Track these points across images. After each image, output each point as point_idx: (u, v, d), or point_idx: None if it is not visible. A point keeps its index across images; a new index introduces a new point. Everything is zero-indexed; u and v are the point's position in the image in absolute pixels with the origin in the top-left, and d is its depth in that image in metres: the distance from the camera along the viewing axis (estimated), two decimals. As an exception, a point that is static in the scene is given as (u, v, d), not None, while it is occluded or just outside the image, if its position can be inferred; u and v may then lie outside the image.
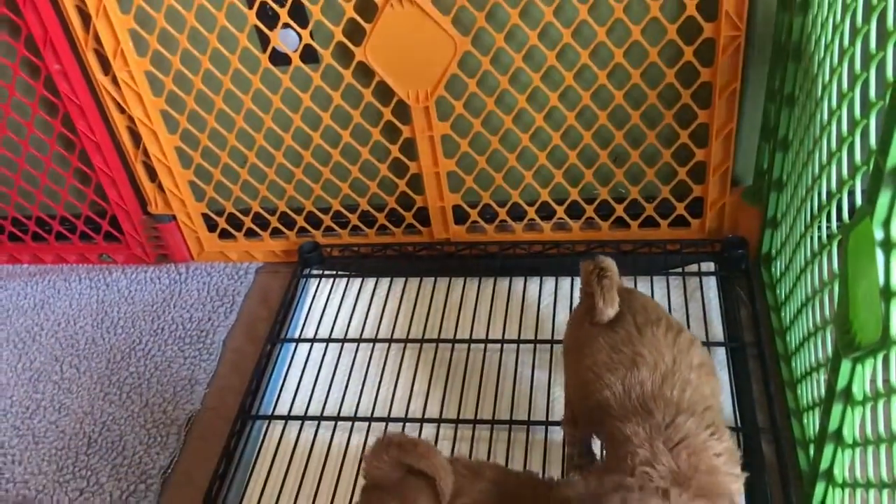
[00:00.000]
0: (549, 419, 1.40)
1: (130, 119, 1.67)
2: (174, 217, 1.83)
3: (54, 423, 1.59)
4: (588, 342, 1.13)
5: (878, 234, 0.90)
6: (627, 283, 1.61)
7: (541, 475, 1.29)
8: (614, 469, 0.97)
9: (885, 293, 0.89)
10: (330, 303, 1.71)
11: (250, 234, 1.86)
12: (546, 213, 1.72)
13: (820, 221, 1.20)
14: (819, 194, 1.20)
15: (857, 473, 1.07)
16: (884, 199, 0.89)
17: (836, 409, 1.09)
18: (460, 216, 1.76)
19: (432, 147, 1.65)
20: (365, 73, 1.58)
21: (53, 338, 1.77)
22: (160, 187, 1.78)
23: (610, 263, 1.17)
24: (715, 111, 1.49)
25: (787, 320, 1.43)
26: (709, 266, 1.62)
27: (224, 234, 1.88)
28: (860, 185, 1.02)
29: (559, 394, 1.44)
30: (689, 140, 1.55)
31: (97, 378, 1.66)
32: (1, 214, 1.95)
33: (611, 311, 1.12)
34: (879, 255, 0.90)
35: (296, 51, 1.57)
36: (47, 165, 1.81)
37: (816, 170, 1.20)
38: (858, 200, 1.00)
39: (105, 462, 1.50)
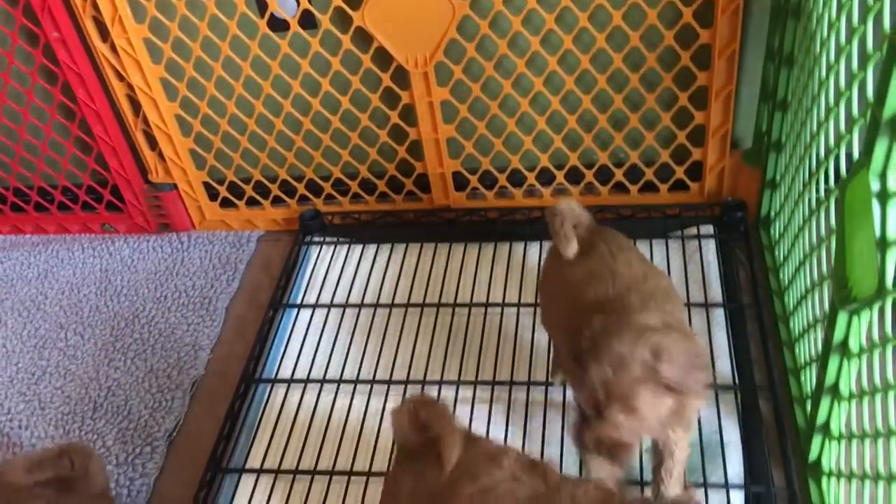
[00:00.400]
0: (550, 380, 1.42)
1: (130, 87, 1.68)
2: (175, 186, 1.84)
3: (60, 388, 1.60)
4: (565, 271, 1.19)
5: (875, 186, 0.91)
6: (627, 246, 1.62)
7: (541, 434, 1.31)
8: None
9: (881, 244, 0.90)
10: (331, 269, 1.72)
11: (251, 202, 1.87)
12: (546, 178, 1.73)
13: (818, 179, 1.21)
14: (817, 152, 1.20)
15: (854, 426, 1.09)
16: (880, 150, 0.89)
17: (833, 362, 1.10)
18: (460, 182, 1.77)
19: (431, 113, 1.65)
20: (363, 38, 1.57)
21: (58, 306, 1.78)
22: (161, 156, 1.79)
23: (564, 207, 1.23)
24: (714, 73, 1.49)
25: (786, 281, 1.44)
26: (708, 229, 1.63)
27: (225, 203, 1.88)
28: (857, 142, 1.03)
29: (559, 355, 1.45)
30: (688, 103, 1.55)
31: (101, 345, 1.67)
32: (3, 185, 1.96)
33: (570, 247, 1.19)
34: (876, 206, 0.91)
35: (294, 16, 1.57)
36: (48, 135, 1.82)
37: (814, 127, 1.20)
38: (856, 157, 1.00)
39: (111, 426, 1.52)
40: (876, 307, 0.96)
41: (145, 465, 1.45)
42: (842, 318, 1.05)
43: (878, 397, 0.98)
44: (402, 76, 1.61)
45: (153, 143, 1.78)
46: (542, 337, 1.50)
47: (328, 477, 1.34)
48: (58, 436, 1.52)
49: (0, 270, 1.90)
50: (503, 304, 1.57)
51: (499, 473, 0.94)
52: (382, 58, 1.59)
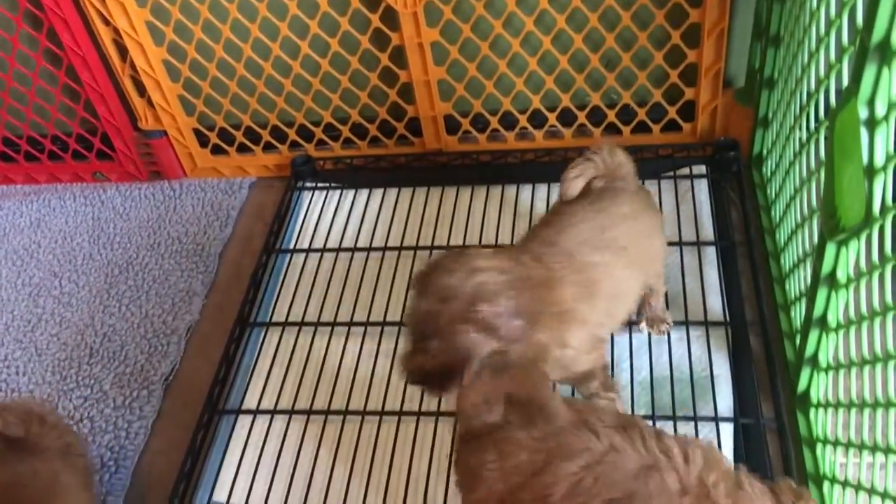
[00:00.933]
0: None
1: (116, 31, 1.65)
2: (165, 133, 1.83)
3: (56, 335, 1.61)
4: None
5: (863, 113, 0.91)
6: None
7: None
8: None
9: (869, 171, 0.90)
10: (323, 214, 1.72)
11: (243, 149, 1.86)
12: (538, 121, 1.72)
13: (808, 113, 1.20)
14: (808, 85, 1.19)
15: (841, 356, 1.10)
16: (868, 77, 0.89)
17: (821, 294, 1.11)
18: (452, 126, 1.76)
19: (422, 55, 1.63)
20: (352, -22, 1.55)
21: (51, 255, 1.78)
22: (150, 102, 1.77)
23: (597, 158, 1.20)
24: (706, 9, 1.48)
25: (777, 218, 1.44)
26: (700, 169, 1.63)
27: (216, 150, 1.87)
28: (847, 73, 1.02)
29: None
30: (680, 41, 1.54)
31: (96, 292, 1.68)
32: (-6, 135, 1.95)
33: (565, 188, 1.19)
34: (864, 133, 0.90)
35: (281, -44, 1.55)
36: (35, 82, 1.80)
37: (805, 59, 1.19)
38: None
39: (107, 371, 1.53)
40: (864, 237, 0.97)
41: (142, 408, 1.46)
42: (830, 249, 1.05)
43: (865, 325, 0.99)
44: (391, 17, 1.59)
45: (141, 90, 1.76)
46: (535, 277, 1.50)
47: (324, 416, 1.36)
48: (55, 381, 1.53)
49: (-11, 220, 1.90)
50: (496, 246, 1.57)
51: (597, 445, 0.84)
52: (371, -2, 1.57)
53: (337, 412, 1.36)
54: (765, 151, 1.56)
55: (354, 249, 1.63)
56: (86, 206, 1.88)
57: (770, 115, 1.50)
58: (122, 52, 1.70)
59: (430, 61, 1.64)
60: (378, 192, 1.74)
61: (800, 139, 1.26)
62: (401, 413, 1.34)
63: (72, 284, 1.71)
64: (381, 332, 1.47)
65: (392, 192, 1.74)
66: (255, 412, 1.38)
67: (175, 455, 1.36)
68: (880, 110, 0.88)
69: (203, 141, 1.86)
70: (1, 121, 1.90)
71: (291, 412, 1.37)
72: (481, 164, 1.75)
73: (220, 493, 1.29)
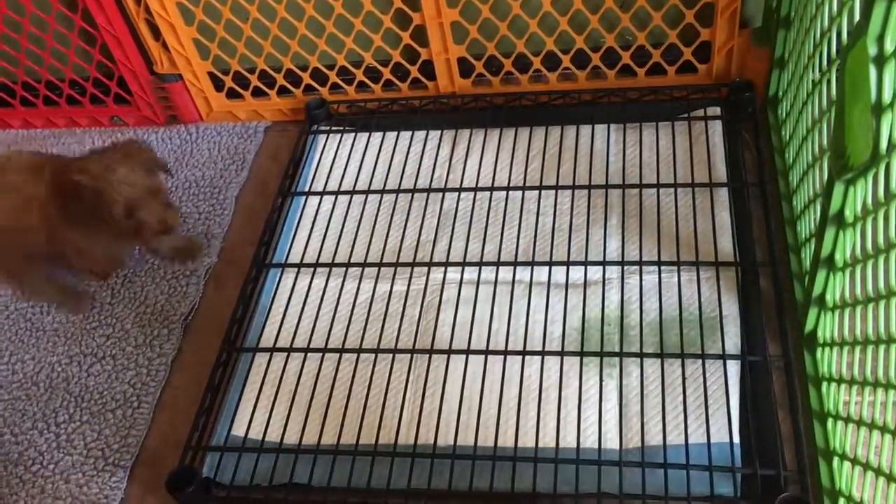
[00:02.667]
0: (553, 260, 1.44)
1: (130, -26, 1.66)
2: (181, 77, 1.84)
3: (78, 277, 1.65)
4: None
5: (872, 50, 0.90)
6: (633, 130, 1.62)
7: (544, 313, 1.34)
8: None
9: (877, 109, 0.90)
10: (338, 157, 1.73)
11: (258, 93, 1.87)
12: (552, 63, 1.71)
13: (821, 52, 1.19)
14: (821, 23, 1.18)
15: (847, 296, 1.11)
16: (878, 13, 0.88)
17: (829, 234, 1.11)
18: (465, 69, 1.76)
19: (435, -4, 1.62)
20: (364, -83, 1.54)
21: (71, 198, 1.81)
22: (165, 46, 1.78)
23: None
24: (723, -53, 1.46)
25: (790, 160, 1.44)
26: (715, 111, 1.62)
27: (232, 94, 1.88)
28: (858, 10, 1.01)
29: (571, 237, 1.47)
30: (696, -21, 1.52)
31: (116, 234, 1.71)
32: (11, 78, 1.97)
33: None
34: (872, 70, 0.90)
35: None
36: (51, 26, 1.81)
37: (820, -3, 1.18)
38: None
39: (129, 311, 1.57)
40: (871, 176, 0.97)
41: (162, 346, 1.50)
42: (838, 189, 1.06)
43: (871, 264, 1.00)
44: (403, -43, 1.58)
45: (156, 33, 1.77)
46: (547, 220, 1.51)
47: (338, 355, 1.39)
48: (78, 320, 1.58)
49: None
50: (508, 188, 1.58)
51: None
52: (383, -62, 1.56)
53: (351, 350, 1.39)
54: (780, 93, 1.55)
55: (368, 192, 1.64)
56: (104, 151, 1.90)
57: (786, 55, 1.49)
58: (137, -6, 1.70)
59: (444, 3, 1.63)
60: (392, 136, 1.75)
61: (812, 79, 1.25)
62: (413, 351, 1.37)
63: (92, 227, 1.74)
64: (395, 272, 1.49)
65: (406, 135, 1.74)
66: (272, 350, 1.42)
67: (195, 391, 1.40)
68: (889, 47, 0.88)
69: (218, 85, 1.87)
70: (20, 65, 1.91)
71: (307, 350, 1.41)
72: (495, 107, 1.74)
73: (239, 428, 1.34)
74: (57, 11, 1.78)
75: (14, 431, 1.43)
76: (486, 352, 1.34)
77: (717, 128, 1.59)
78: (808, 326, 1.24)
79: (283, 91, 1.86)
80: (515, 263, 1.45)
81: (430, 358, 1.35)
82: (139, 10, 1.72)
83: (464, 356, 1.34)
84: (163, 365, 1.48)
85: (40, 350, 1.55)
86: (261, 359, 1.42)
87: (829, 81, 1.15)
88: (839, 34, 1.09)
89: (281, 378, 1.38)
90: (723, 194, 1.48)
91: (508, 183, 1.59)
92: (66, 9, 1.77)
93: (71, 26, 1.80)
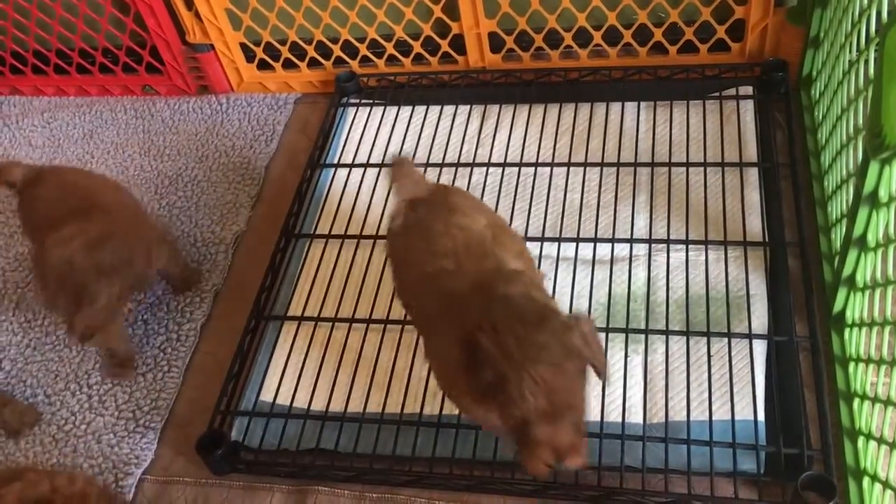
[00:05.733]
0: (580, 236, 1.44)
1: (164, -57, 1.67)
2: (213, 47, 1.85)
3: (110, 243, 1.67)
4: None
5: (915, 27, 0.89)
6: (663, 108, 1.62)
7: (570, 288, 1.34)
8: None
9: (917, 87, 0.89)
10: (367, 131, 1.74)
11: (288, 64, 1.88)
12: (583, 39, 1.70)
13: (859, 30, 1.18)
14: (860, 2, 1.17)
15: (878, 276, 1.11)
16: (922, -11, 0.87)
17: (862, 213, 1.11)
18: (496, 44, 1.75)
19: (468, -31, 1.62)
20: None
21: (104, 165, 1.84)
22: (197, 16, 1.79)
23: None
24: (761, -77, 1.44)
25: (823, 140, 1.43)
26: (747, 90, 1.61)
27: (263, 65, 1.90)
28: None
29: (599, 214, 1.48)
30: (732, -44, 1.51)
31: (147, 202, 1.73)
32: (45, 46, 1.98)
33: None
34: (914, 48, 0.89)
35: None
36: (93, -7, 1.82)
37: (860, -25, 1.16)
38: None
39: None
40: (908, 154, 0.96)
41: (193, 312, 1.53)
42: (873, 168, 1.05)
43: (903, 244, 1.00)
44: (437, -70, 1.58)
45: (189, 3, 1.78)
46: (575, 197, 1.52)
47: (365, 325, 1.41)
48: (110, 285, 1.60)
49: (48, 131, 1.95)
50: (536, 164, 1.58)
51: None
52: None
53: (378, 321, 1.40)
54: (814, 72, 1.53)
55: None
56: (136, 119, 1.92)
57: (821, 34, 1.47)
58: (171, -36, 1.71)
59: (476, -24, 1.63)
60: (421, 110, 1.75)
61: (849, 59, 1.24)
62: (440, 323, 1.38)
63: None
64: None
65: (435, 110, 1.75)
66: (300, 319, 1.44)
67: (224, 357, 1.42)
68: (932, 24, 0.87)
69: (249, 56, 1.88)
70: (54, 32, 1.93)
71: (335, 320, 1.42)
72: (524, 83, 1.74)
73: (267, 394, 1.36)
74: (92, -21, 1.80)
75: (47, 392, 1.46)
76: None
77: (748, 107, 1.58)
78: (837, 307, 1.24)
79: (313, 63, 1.86)
80: (543, 239, 1.45)
81: (456, 330, 1.36)
82: (173, -21, 1.73)
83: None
84: (193, 331, 1.50)
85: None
86: (289, 327, 1.44)
87: (866, 61, 1.14)
88: (878, 13, 1.08)
89: (309, 346, 1.40)
90: (753, 174, 1.47)
91: (537, 159, 1.60)
92: (101, -23, 1.79)
93: (109, -8, 1.81)
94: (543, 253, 1.44)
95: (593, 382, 0.95)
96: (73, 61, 1.98)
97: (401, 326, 1.39)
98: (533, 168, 1.58)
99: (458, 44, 1.76)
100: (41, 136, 1.94)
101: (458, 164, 1.62)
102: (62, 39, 1.96)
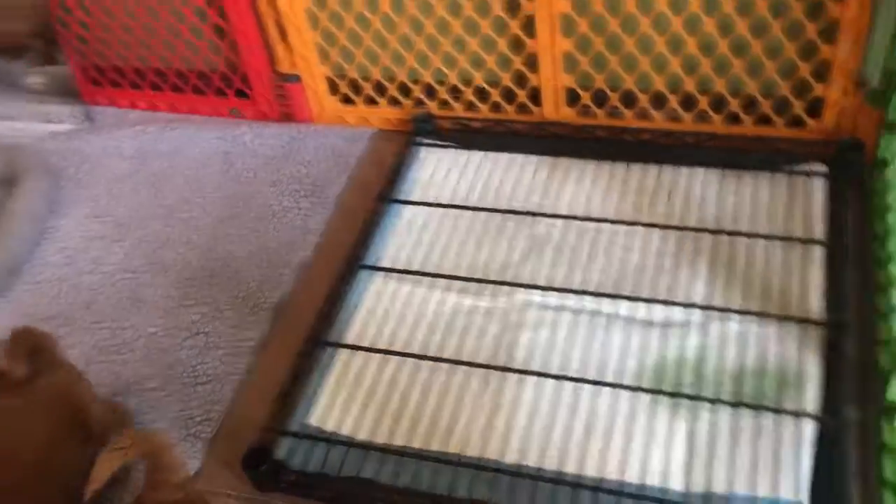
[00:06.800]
0: (637, 296, 1.45)
1: (265, -23, 1.76)
2: (299, 77, 1.93)
3: (182, 255, 1.74)
4: None
5: None
6: (733, 177, 1.62)
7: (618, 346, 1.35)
8: None
9: None
10: (438, 171, 1.79)
11: (368, 100, 1.94)
12: (658, 102, 1.73)
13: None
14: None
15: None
16: None
17: (924, 304, 1.10)
18: (572, 98, 1.79)
19: (551, 25, 1.66)
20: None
21: (184, 181, 1.92)
22: (289, 47, 1.87)
23: None
24: (847, 5, 1.45)
25: (892, 225, 1.42)
26: (819, 167, 1.60)
27: (344, 99, 1.97)
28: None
29: (658, 277, 1.49)
30: (816, 35, 1.51)
31: (221, 219, 1.80)
32: (144, 63, 2.09)
33: None
34: None
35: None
36: (189, 18, 1.92)
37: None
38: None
39: (224, 293, 1.65)
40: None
41: (252, 329, 1.58)
42: (940, 260, 1.04)
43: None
44: (525, -14, 1.63)
45: (283, 34, 1.86)
46: (636, 257, 1.53)
47: (419, 360, 1.43)
48: (177, 295, 1.66)
49: (137, 143, 2.04)
50: (601, 220, 1.60)
51: None
52: (508, -35, 1.61)
53: (431, 358, 1.43)
54: (889, 157, 1.53)
55: (464, 207, 1.69)
56: (219, 140, 2.00)
57: (900, 119, 1.47)
58: (269, -3, 1.80)
59: (559, 32, 1.67)
60: (493, 156, 1.79)
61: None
62: (490, 367, 1.40)
63: (199, 210, 1.84)
64: (482, 289, 1.53)
65: (506, 157, 1.78)
66: (355, 348, 1.47)
67: (277, 376, 1.46)
68: None
69: (333, 88, 1.95)
70: (156, 52, 2.03)
71: (389, 353, 1.46)
72: (597, 140, 1.77)
73: (315, 418, 1.39)
74: (195, 6, 1.89)
75: (107, 392, 1.52)
76: (561, 377, 1.36)
77: (819, 185, 1.58)
78: (891, 395, 1.22)
79: (392, 101, 1.92)
80: (599, 294, 1.47)
81: (505, 375, 1.39)
82: (269, 11, 1.82)
83: (538, 378, 1.37)
84: (250, 347, 1.55)
85: (140, 320, 1.64)
86: (343, 355, 1.48)
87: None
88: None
89: (361, 376, 1.44)
90: (817, 252, 1.46)
91: (602, 215, 1.62)
92: (204, 3, 1.88)
93: (205, 19, 1.91)
94: (599, 309, 1.45)
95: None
96: (169, 80, 2.08)
97: (452, 366, 1.41)
98: (597, 223, 1.60)
99: (535, 95, 1.80)
100: (131, 146, 2.04)
101: (524, 213, 1.65)
102: (162, 59, 2.06)
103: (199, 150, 1.99)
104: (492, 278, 1.54)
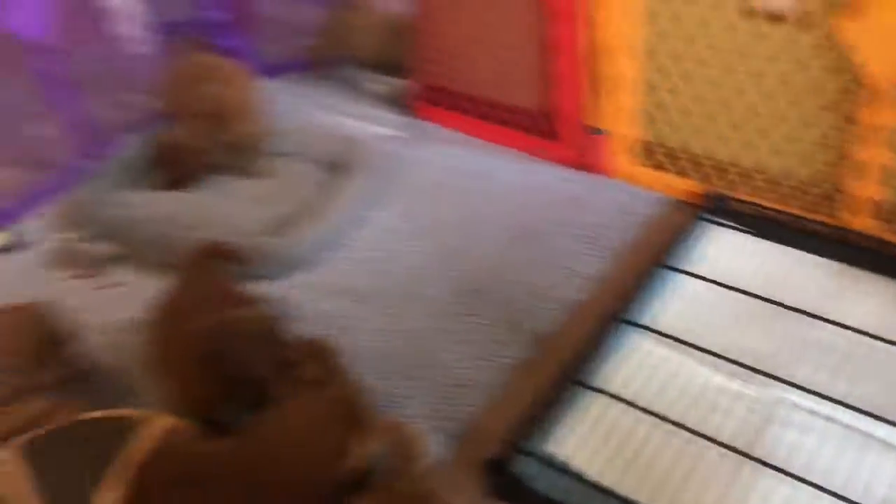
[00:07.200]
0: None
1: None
2: (605, 132, 2.04)
3: (466, 266, 1.89)
4: None
5: None
6: None
7: None
8: None
9: None
10: (725, 251, 1.81)
11: (663, 167, 2.02)
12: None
13: None
14: None
15: None
16: None
17: None
18: (879, 209, 1.75)
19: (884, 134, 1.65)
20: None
21: (483, 201, 2.09)
22: (605, 104, 1.99)
23: None
24: None
25: None
26: None
27: (641, 161, 2.06)
28: None
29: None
30: None
31: (506, 243, 1.94)
32: (475, 91, 2.28)
33: None
34: None
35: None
36: (524, 62, 2.09)
37: None
38: None
39: (495, 311, 1.75)
40: None
41: (516, 347, 1.67)
42: None
43: None
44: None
45: (600, 92, 1.98)
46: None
47: (672, 427, 1.45)
48: (454, 302, 1.80)
49: (450, 160, 2.25)
50: (884, 340, 1.55)
51: None
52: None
53: (682, 426, 1.45)
54: None
55: (740, 291, 1.70)
56: (523, 173, 2.15)
57: None
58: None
59: (885, 144, 1.65)
60: (779, 248, 1.79)
61: None
62: (739, 452, 1.40)
63: (490, 230, 1.98)
64: (751, 377, 1.53)
65: (793, 253, 1.78)
66: (609, 395, 1.52)
67: (525, 398, 1.54)
68: None
69: (633, 150, 2.05)
70: (491, 87, 2.22)
71: (639, 408, 1.49)
72: (893, 257, 1.71)
73: (557, 445, 1.45)
74: (534, 50, 2.06)
75: (371, 376, 1.60)
76: (814, 485, 1.34)
77: None
78: None
79: (686, 174, 1.98)
80: (872, 415, 1.42)
81: (760, 469, 1.38)
82: (597, 68, 1.95)
83: (795, 481, 1.35)
84: (508, 364, 1.64)
85: (414, 320, 1.78)
86: (601, 399, 1.53)
87: None
88: None
89: (616, 425, 1.48)
90: None
91: (886, 334, 1.56)
92: (540, 46, 2.05)
93: (539, 63, 2.07)
94: (868, 429, 1.41)
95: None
96: (498, 113, 2.25)
97: (700, 440, 1.43)
98: (880, 342, 1.55)
99: (836, 197, 1.79)
100: (444, 161, 2.24)
101: (803, 312, 1.63)
102: (499, 93, 2.24)
103: (503, 178, 2.16)
104: (764, 370, 1.54)
